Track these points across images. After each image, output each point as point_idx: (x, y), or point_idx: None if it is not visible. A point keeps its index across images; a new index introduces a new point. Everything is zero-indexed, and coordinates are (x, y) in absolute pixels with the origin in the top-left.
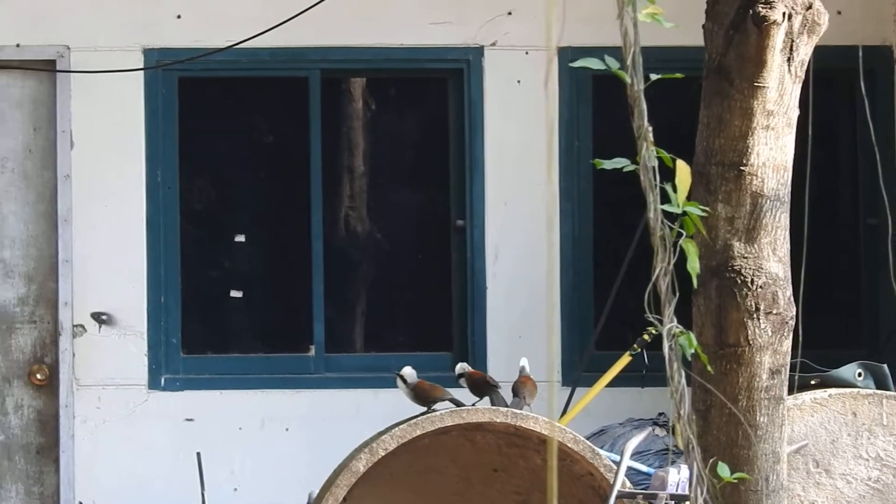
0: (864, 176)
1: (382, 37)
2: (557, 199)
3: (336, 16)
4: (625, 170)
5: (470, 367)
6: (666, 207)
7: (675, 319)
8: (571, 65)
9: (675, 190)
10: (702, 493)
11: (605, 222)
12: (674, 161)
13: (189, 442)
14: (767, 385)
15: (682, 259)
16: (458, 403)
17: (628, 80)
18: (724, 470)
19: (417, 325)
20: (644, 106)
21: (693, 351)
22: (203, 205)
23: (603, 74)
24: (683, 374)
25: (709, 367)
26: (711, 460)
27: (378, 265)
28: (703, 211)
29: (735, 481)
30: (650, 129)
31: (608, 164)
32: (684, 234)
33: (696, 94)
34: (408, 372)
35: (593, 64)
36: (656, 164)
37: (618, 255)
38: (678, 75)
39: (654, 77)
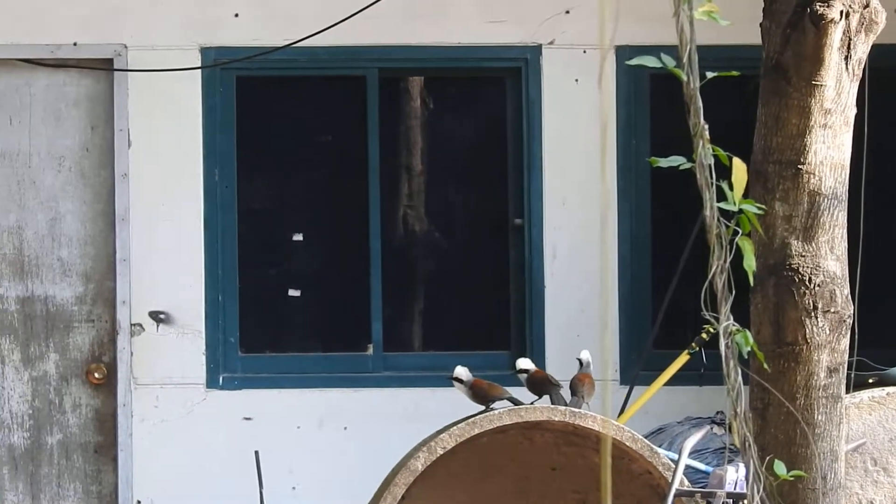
0: None
1: (440, 36)
2: (613, 196)
3: (394, 15)
4: (681, 168)
5: (533, 365)
6: (722, 205)
7: (732, 317)
8: (628, 63)
9: (731, 188)
10: (758, 491)
11: (663, 221)
12: (730, 159)
13: (247, 441)
14: (825, 383)
15: (739, 257)
16: (516, 402)
17: (684, 77)
18: (780, 468)
19: (475, 324)
20: (700, 104)
21: (749, 349)
22: (261, 203)
23: (661, 73)
24: (740, 371)
25: (765, 366)
26: (768, 458)
27: (436, 264)
28: (759, 209)
29: (791, 479)
30: (706, 126)
31: (664, 163)
32: (740, 231)
33: (753, 93)
34: (461, 371)
35: (649, 62)
36: (712, 161)
37: (676, 254)
38: (734, 73)
39: (710, 75)
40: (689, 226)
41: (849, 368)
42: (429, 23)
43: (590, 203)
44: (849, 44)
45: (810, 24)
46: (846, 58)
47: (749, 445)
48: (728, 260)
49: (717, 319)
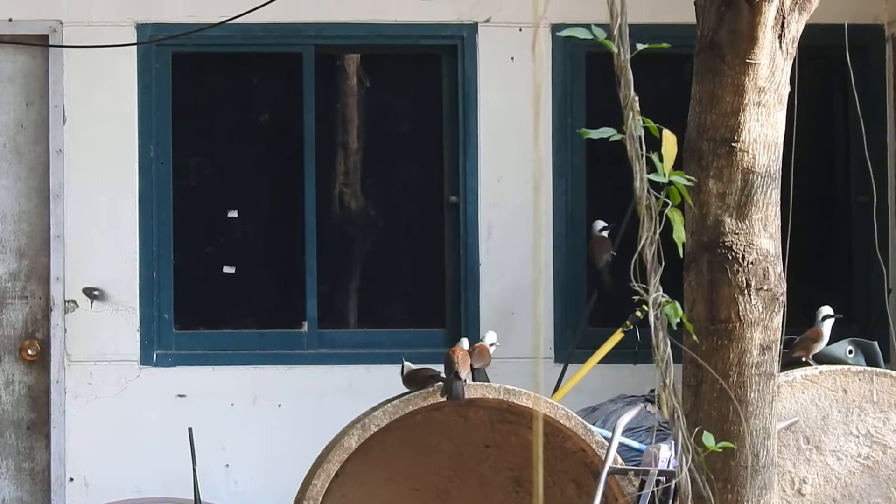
0: (854, 153)
1: (377, 13)
2: (547, 164)
3: None
4: (611, 139)
5: (466, 344)
6: (652, 177)
7: (662, 290)
8: (559, 34)
9: (661, 160)
10: (686, 463)
11: (598, 199)
12: (660, 131)
13: (181, 418)
14: (758, 361)
15: (670, 230)
16: (443, 380)
17: (615, 49)
18: (709, 439)
19: (411, 301)
20: (630, 76)
21: (679, 321)
22: (196, 180)
23: (597, 51)
24: (669, 343)
25: (695, 338)
26: (696, 429)
27: (372, 241)
28: (689, 180)
29: (720, 451)
30: (636, 98)
31: (594, 134)
32: (670, 203)
33: (690, 74)
34: (407, 365)
35: (580, 34)
36: (643, 133)
37: (611, 232)
38: (664, 45)
39: (640, 47)
40: (624, 204)
41: (782, 346)
42: (366, 0)
43: (525, 180)
44: (783, 22)
45: (744, 2)
46: (780, 36)
47: (678, 417)
48: (658, 231)
49: (647, 291)
